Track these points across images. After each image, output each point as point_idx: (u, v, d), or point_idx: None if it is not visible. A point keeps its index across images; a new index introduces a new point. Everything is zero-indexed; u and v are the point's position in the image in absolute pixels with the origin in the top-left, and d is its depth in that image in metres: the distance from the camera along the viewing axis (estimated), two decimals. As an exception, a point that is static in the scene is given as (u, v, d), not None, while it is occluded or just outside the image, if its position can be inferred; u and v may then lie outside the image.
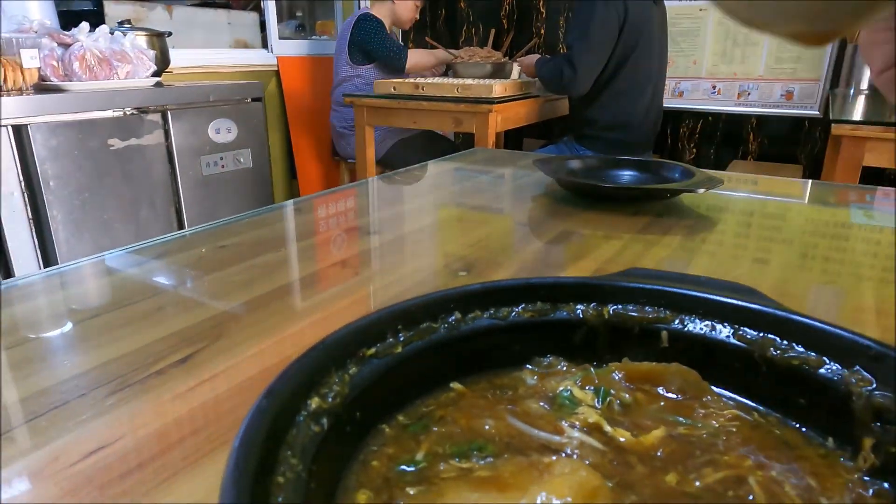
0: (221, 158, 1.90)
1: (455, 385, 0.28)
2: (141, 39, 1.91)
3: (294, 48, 2.93)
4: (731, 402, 0.28)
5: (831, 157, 1.82)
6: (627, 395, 0.27)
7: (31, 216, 1.50)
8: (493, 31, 2.72)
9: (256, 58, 2.79)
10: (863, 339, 0.25)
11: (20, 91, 1.62)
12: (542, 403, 0.27)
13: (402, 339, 0.27)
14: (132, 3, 2.50)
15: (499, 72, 2.35)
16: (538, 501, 0.20)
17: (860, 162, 1.57)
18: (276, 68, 2.82)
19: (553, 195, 0.82)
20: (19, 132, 1.44)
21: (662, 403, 0.27)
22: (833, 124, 1.58)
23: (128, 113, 1.65)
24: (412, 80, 2.15)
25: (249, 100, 1.98)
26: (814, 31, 0.19)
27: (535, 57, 2.20)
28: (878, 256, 0.59)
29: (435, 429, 0.25)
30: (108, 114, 1.61)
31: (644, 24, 1.98)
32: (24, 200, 1.48)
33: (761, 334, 0.27)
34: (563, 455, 0.23)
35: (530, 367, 0.30)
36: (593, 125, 2.11)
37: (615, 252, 0.59)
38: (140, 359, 0.39)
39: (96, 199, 1.60)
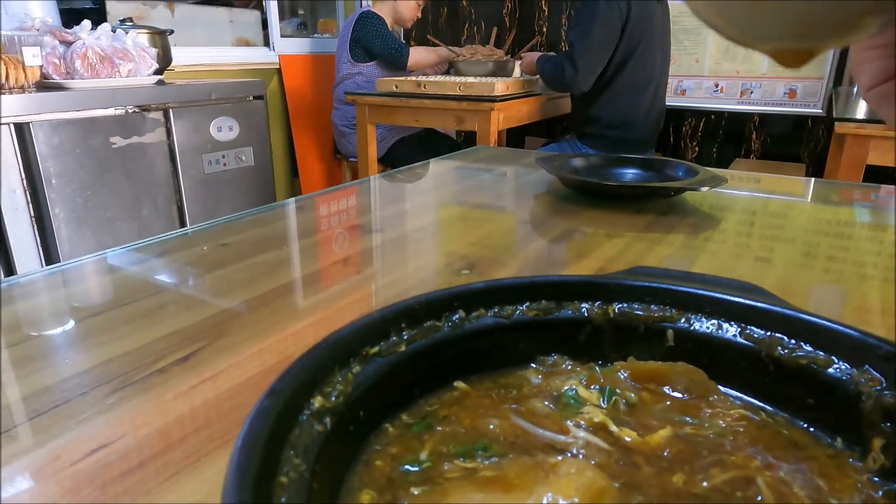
0: (223, 156, 1.90)
1: (459, 384, 0.28)
2: (143, 37, 1.91)
3: (296, 46, 2.93)
4: (739, 402, 0.27)
5: (834, 156, 1.82)
6: (633, 395, 0.27)
7: (33, 214, 1.50)
8: (495, 29, 2.71)
9: (258, 56, 2.79)
10: (872, 338, 0.24)
11: (22, 89, 1.62)
12: (546, 403, 0.26)
13: (405, 337, 0.27)
14: (134, 0, 2.50)
15: (501, 70, 2.34)
16: (544, 502, 0.20)
17: (864, 160, 1.57)
18: (277, 66, 2.82)
19: (555, 193, 0.82)
20: (21, 130, 1.44)
21: (668, 403, 0.27)
22: (836, 122, 1.57)
23: (130, 111, 1.65)
24: (414, 78, 2.14)
25: (251, 98, 1.98)
26: (798, 48, 0.19)
27: (535, 54, 2.20)
28: (881, 255, 0.59)
29: (439, 428, 0.25)
30: (110, 112, 1.61)
31: (646, 22, 1.98)
32: (27, 198, 1.48)
33: (769, 333, 0.27)
34: (569, 455, 0.23)
35: (535, 366, 0.30)
36: (596, 123, 2.10)
37: (618, 250, 0.59)
38: (141, 357, 0.38)
39: (98, 196, 1.60)
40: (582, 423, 0.25)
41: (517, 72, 2.42)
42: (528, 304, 0.30)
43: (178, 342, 0.40)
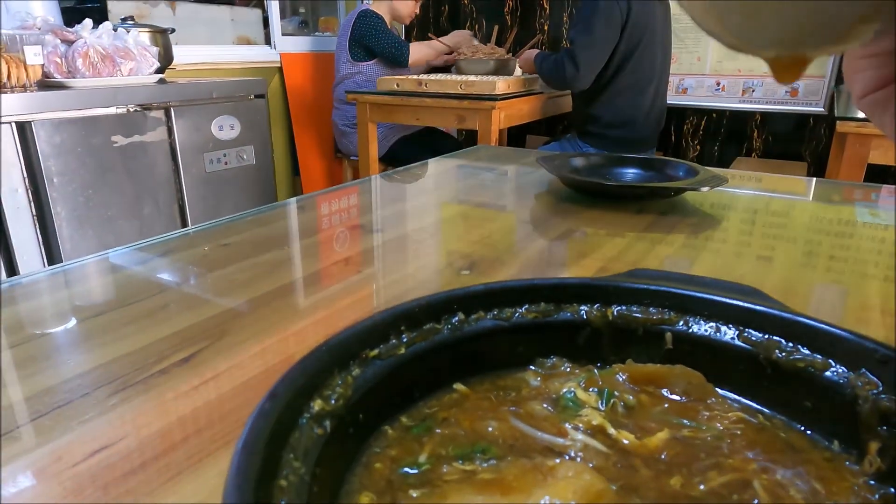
0: (224, 155, 1.90)
1: (458, 386, 0.28)
2: (144, 36, 1.91)
3: (297, 45, 2.93)
4: (736, 405, 0.27)
5: (836, 155, 1.81)
6: (631, 397, 0.27)
7: (34, 213, 1.50)
8: (496, 27, 2.71)
9: (259, 54, 2.79)
10: (869, 342, 0.24)
11: (24, 88, 1.62)
12: (545, 405, 0.27)
13: (405, 340, 0.27)
14: (135, -1, 2.50)
15: (502, 68, 2.34)
16: (542, 505, 0.20)
17: (865, 159, 1.57)
18: (279, 65, 2.82)
19: (556, 193, 0.82)
20: (23, 129, 1.44)
21: (666, 405, 0.27)
22: (838, 121, 1.57)
23: (131, 110, 1.65)
24: (415, 77, 2.14)
25: (252, 96, 1.98)
26: (794, 55, 0.20)
27: (533, 52, 2.19)
28: (882, 254, 0.59)
29: (438, 431, 0.25)
30: (112, 110, 1.61)
31: (647, 20, 1.97)
32: (28, 197, 1.48)
33: (766, 336, 0.27)
34: (567, 458, 0.23)
35: (534, 368, 0.30)
36: (596, 122, 2.10)
37: (619, 250, 0.59)
38: (143, 358, 0.39)
39: (100, 195, 1.61)
40: (580, 425, 0.25)
41: (518, 70, 2.42)
42: (527, 306, 0.30)
43: (179, 342, 0.41)
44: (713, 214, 0.73)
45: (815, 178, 0.96)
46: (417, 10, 2.62)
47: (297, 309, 0.47)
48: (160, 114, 1.72)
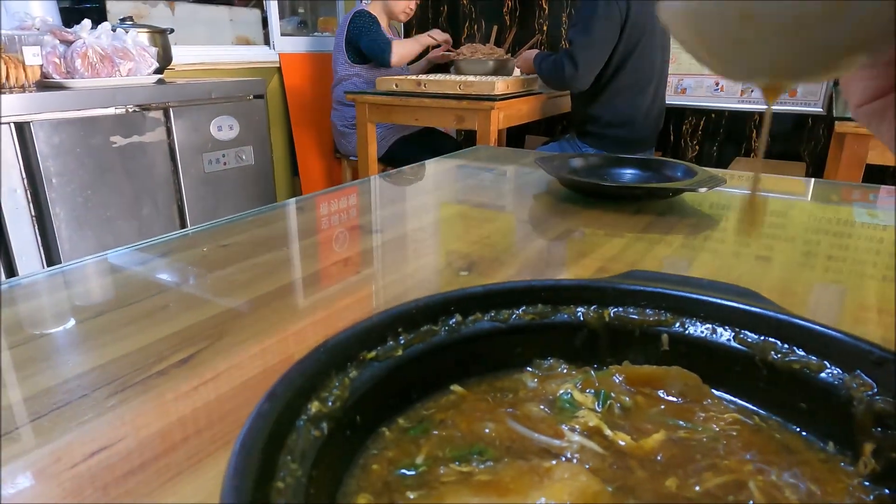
0: (223, 155, 1.90)
1: (455, 388, 0.28)
2: (143, 36, 1.91)
3: (296, 45, 2.92)
4: (732, 406, 0.28)
5: (835, 155, 1.82)
6: (628, 399, 0.27)
7: (33, 213, 1.50)
8: (495, 27, 2.71)
9: (258, 55, 2.79)
10: (864, 343, 0.24)
11: (22, 88, 1.62)
12: (542, 407, 0.27)
13: (402, 341, 0.27)
14: (134, -1, 2.50)
15: (501, 69, 2.34)
16: (538, 506, 0.20)
17: (864, 160, 1.57)
18: (278, 65, 2.82)
19: (555, 193, 0.82)
20: (22, 129, 1.44)
21: (663, 407, 0.27)
22: (837, 122, 1.57)
23: (130, 110, 1.65)
24: (414, 77, 2.14)
25: (251, 97, 1.98)
26: (785, 84, 0.21)
27: (531, 53, 2.20)
28: (880, 254, 0.59)
29: (435, 432, 0.25)
30: (111, 111, 1.61)
31: (647, 20, 1.98)
32: (27, 198, 1.48)
33: (762, 338, 0.27)
34: (563, 459, 0.23)
35: (531, 369, 0.30)
36: (596, 122, 2.10)
37: (617, 251, 0.59)
38: (142, 358, 0.39)
39: (99, 196, 1.61)
40: (577, 427, 0.25)
41: (517, 71, 2.42)
42: (524, 308, 0.30)
43: (178, 343, 0.41)
44: (712, 215, 0.74)
45: (813, 179, 0.97)
46: (412, 6, 2.58)
47: (296, 309, 0.48)
48: (159, 114, 1.72)
